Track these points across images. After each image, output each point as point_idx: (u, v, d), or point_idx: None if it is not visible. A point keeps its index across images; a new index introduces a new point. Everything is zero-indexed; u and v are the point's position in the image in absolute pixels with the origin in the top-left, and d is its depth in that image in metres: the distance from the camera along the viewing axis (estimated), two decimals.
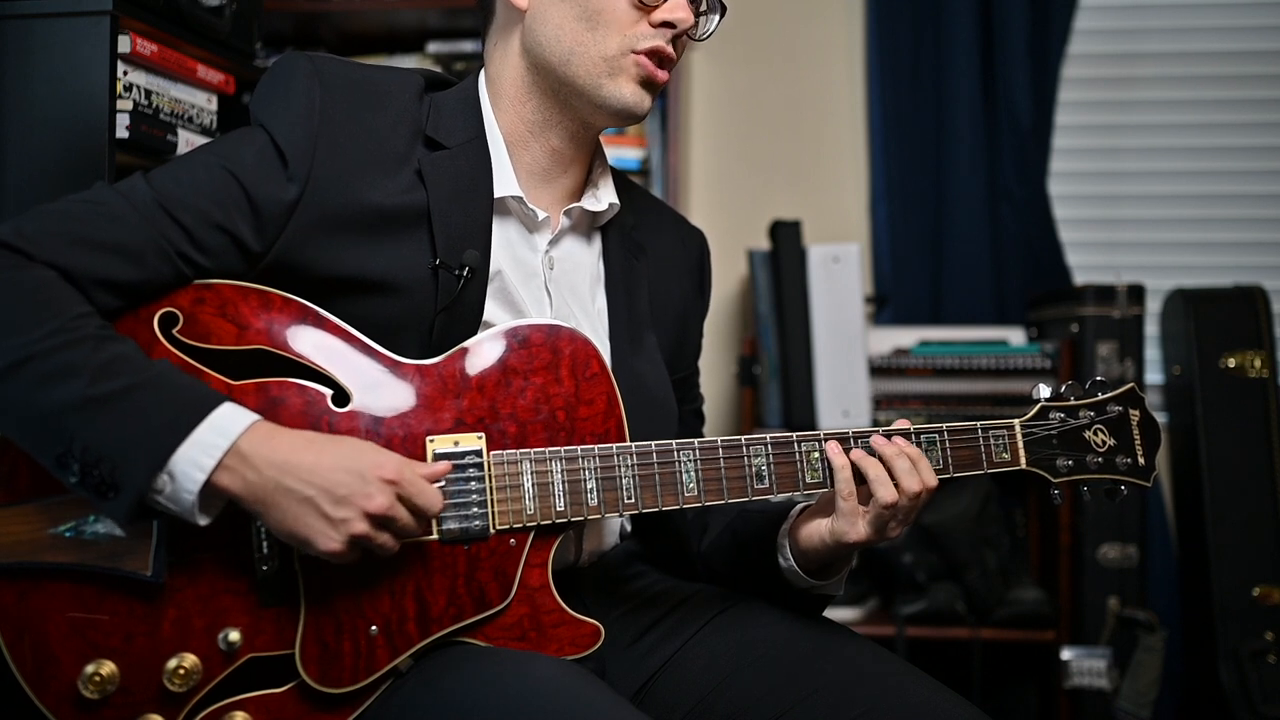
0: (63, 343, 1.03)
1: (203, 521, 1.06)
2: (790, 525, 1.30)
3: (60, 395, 1.02)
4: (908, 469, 1.22)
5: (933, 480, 1.23)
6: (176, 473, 1.03)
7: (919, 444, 1.26)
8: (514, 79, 1.30)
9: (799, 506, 1.31)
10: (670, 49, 1.26)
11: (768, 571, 1.32)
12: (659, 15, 1.24)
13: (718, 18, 1.33)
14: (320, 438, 1.09)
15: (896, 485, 1.21)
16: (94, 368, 1.03)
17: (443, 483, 1.14)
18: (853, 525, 1.22)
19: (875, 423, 2.58)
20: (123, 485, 1.02)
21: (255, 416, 1.07)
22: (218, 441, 1.04)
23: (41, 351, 1.02)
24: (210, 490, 1.04)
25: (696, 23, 1.30)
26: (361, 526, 1.06)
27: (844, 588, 1.35)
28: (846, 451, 1.23)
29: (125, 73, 1.64)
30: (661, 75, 1.27)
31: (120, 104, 1.62)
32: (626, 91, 1.25)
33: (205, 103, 1.85)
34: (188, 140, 1.77)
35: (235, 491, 1.05)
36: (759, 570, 1.33)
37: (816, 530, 1.25)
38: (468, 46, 2.77)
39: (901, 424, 1.27)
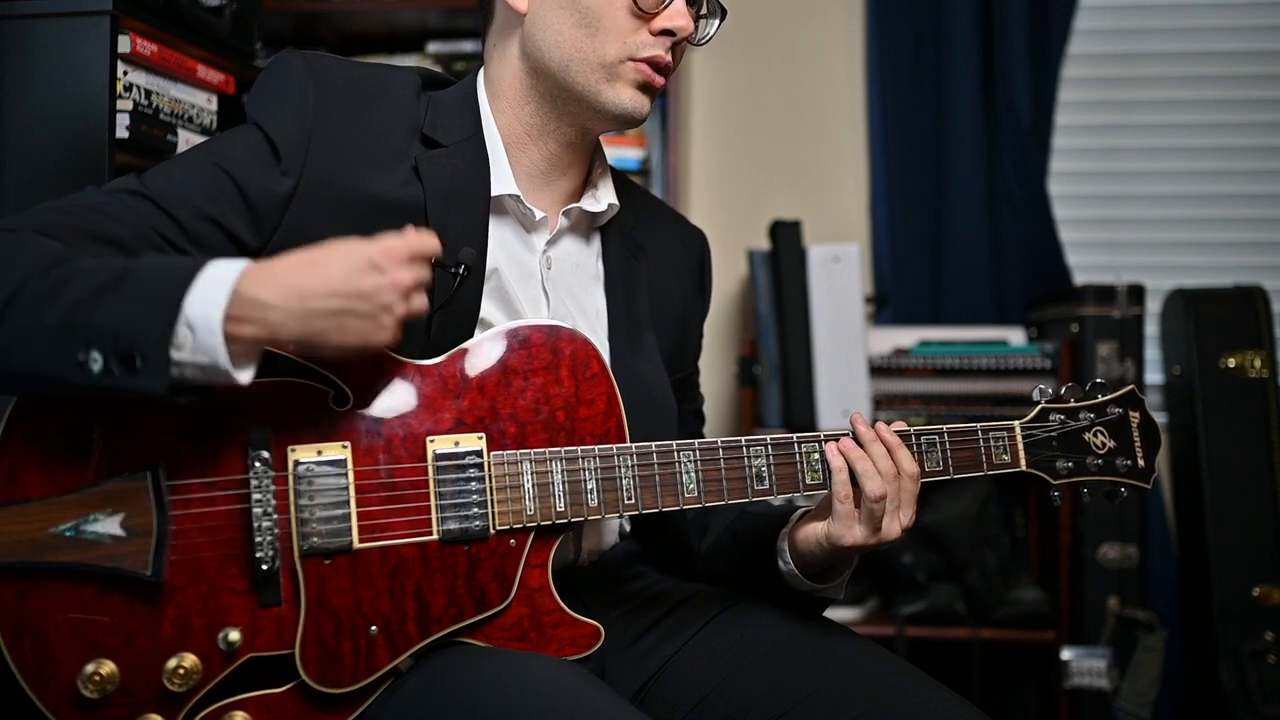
0: (52, 263, 1.02)
1: (244, 377, 1.04)
2: (790, 529, 1.30)
3: (61, 304, 1.00)
4: (882, 454, 1.22)
5: (910, 466, 1.23)
6: (195, 323, 1.00)
7: (919, 446, 1.26)
8: (512, 81, 1.30)
9: (800, 510, 1.31)
10: (669, 57, 1.26)
11: (768, 574, 1.32)
12: (659, 23, 1.24)
13: (718, 21, 1.33)
14: (311, 253, 1.07)
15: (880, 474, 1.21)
16: (86, 271, 1.02)
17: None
18: (849, 528, 1.22)
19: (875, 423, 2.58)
20: (145, 350, 1.00)
21: (244, 262, 1.05)
22: (222, 278, 1.02)
23: (32, 276, 1.01)
24: (234, 339, 1.02)
25: (696, 27, 1.30)
26: (401, 307, 1.07)
27: (845, 591, 1.35)
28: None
29: (125, 73, 1.64)
30: (659, 80, 1.27)
31: (120, 104, 1.62)
32: (625, 97, 1.25)
33: (205, 103, 1.85)
34: (188, 140, 1.77)
35: (263, 337, 1.04)
36: (759, 572, 1.33)
37: (813, 533, 1.25)
38: (468, 46, 2.77)
39: (899, 425, 1.27)
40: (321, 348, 1.07)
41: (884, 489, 1.20)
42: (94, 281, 1.01)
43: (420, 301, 1.10)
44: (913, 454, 1.25)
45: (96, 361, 1.00)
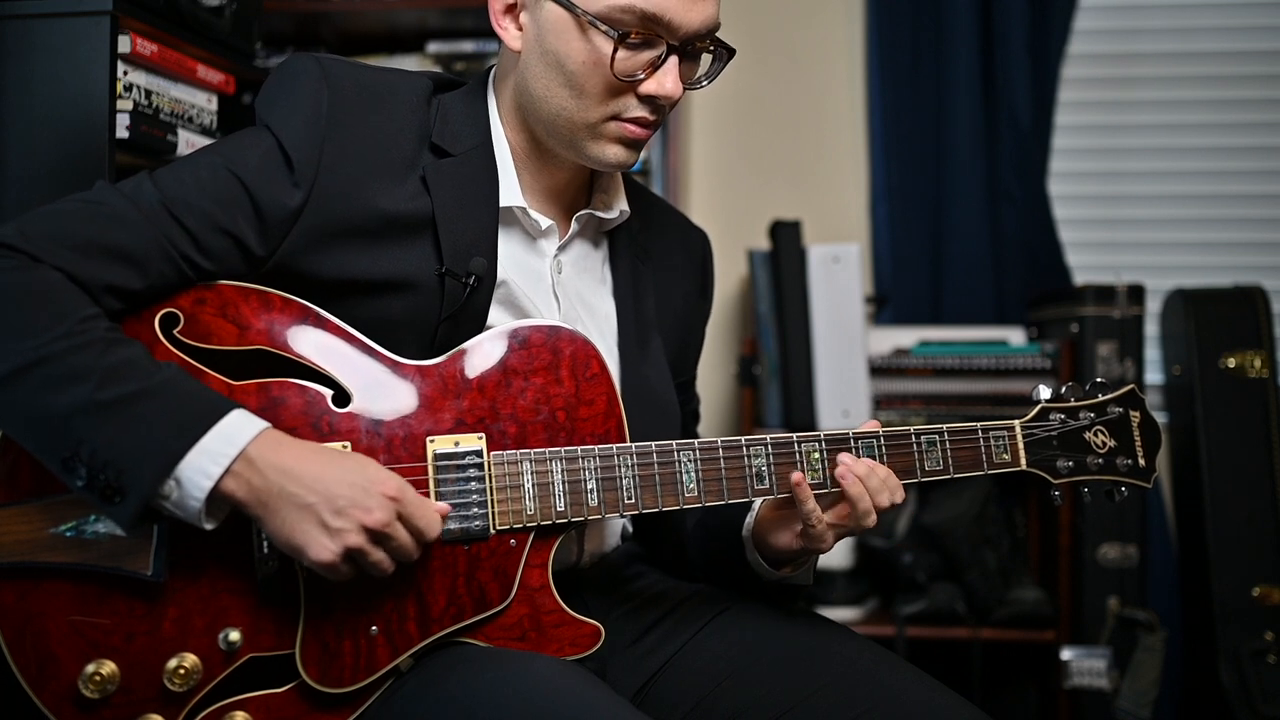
0: (71, 346, 1.03)
1: (208, 526, 1.06)
2: (753, 523, 1.30)
3: (68, 399, 1.02)
4: (878, 487, 1.21)
5: (901, 495, 1.23)
6: (183, 479, 1.03)
7: (919, 445, 1.26)
8: (511, 105, 1.29)
9: (759, 502, 1.30)
10: (654, 116, 1.23)
11: (737, 564, 1.33)
12: (644, 89, 1.21)
13: (723, 64, 1.28)
14: (327, 449, 1.09)
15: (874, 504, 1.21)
16: (102, 372, 1.02)
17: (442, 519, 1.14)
18: (824, 541, 1.23)
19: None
20: (129, 490, 1.02)
21: (264, 425, 1.07)
22: (226, 450, 1.04)
23: (50, 355, 1.02)
24: (216, 496, 1.04)
25: (698, 64, 1.26)
26: (358, 540, 1.06)
27: (812, 575, 1.35)
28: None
29: (125, 73, 1.64)
30: (646, 134, 1.24)
31: (120, 104, 1.62)
32: (609, 153, 1.24)
33: (205, 103, 1.85)
34: (188, 140, 1.77)
35: (240, 497, 1.05)
36: (729, 563, 1.34)
37: (785, 541, 1.26)
38: (468, 46, 2.76)
39: (871, 425, 1.27)
40: (272, 529, 1.07)
41: (875, 519, 1.21)
42: (107, 394, 1.02)
43: (380, 557, 1.08)
44: (912, 457, 1.26)
45: (81, 478, 1.03)
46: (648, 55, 1.20)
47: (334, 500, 1.05)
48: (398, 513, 1.07)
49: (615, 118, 1.22)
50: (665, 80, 1.20)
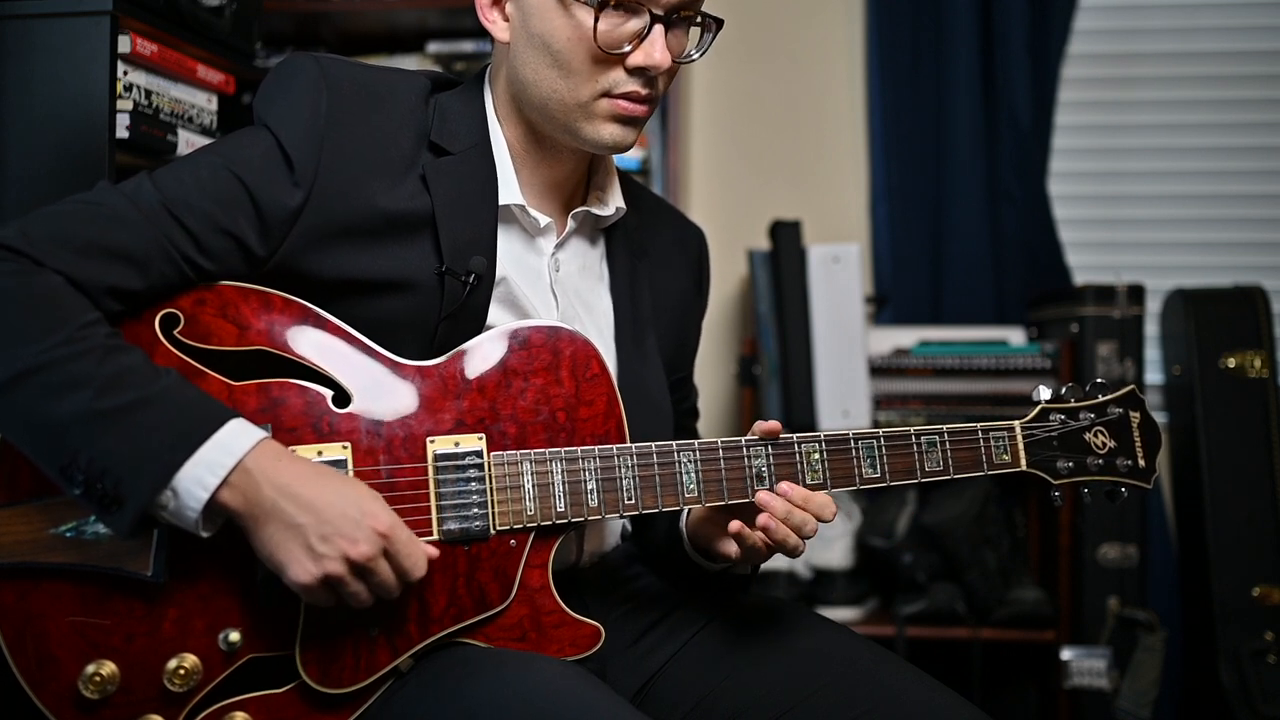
0: (71, 353, 1.03)
1: (205, 534, 1.06)
2: (687, 524, 1.30)
3: (67, 407, 1.01)
4: (803, 519, 1.19)
5: (829, 513, 1.21)
6: (180, 490, 1.03)
7: (919, 445, 1.26)
8: (506, 100, 1.29)
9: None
10: (646, 90, 1.22)
11: (680, 558, 1.33)
12: (631, 61, 1.20)
13: (712, 36, 1.27)
14: (328, 472, 1.09)
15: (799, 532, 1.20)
16: (102, 380, 1.02)
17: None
18: (760, 556, 1.23)
19: (875, 423, 2.58)
20: (126, 500, 1.02)
21: (262, 434, 1.07)
22: (223, 460, 1.04)
23: (50, 361, 1.02)
24: (213, 506, 1.04)
25: (687, 40, 1.26)
26: (338, 568, 1.05)
27: (751, 567, 1.34)
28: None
29: (125, 73, 1.64)
30: (640, 110, 1.23)
31: (120, 104, 1.62)
32: (605, 133, 1.23)
33: (205, 103, 1.85)
34: (188, 140, 1.77)
35: (234, 508, 1.05)
36: (673, 557, 1.34)
37: (723, 549, 1.25)
38: (468, 46, 2.77)
39: (771, 426, 1.23)
40: (257, 542, 1.06)
41: (801, 544, 1.20)
42: (106, 403, 1.02)
43: (359, 589, 1.07)
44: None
45: (79, 486, 1.02)
46: (632, 26, 1.20)
47: (322, 525, 1.05)
48: (385, 549, 1.07)
49: (607, 94, 1.21)
50: (653, 51, 1.20)
